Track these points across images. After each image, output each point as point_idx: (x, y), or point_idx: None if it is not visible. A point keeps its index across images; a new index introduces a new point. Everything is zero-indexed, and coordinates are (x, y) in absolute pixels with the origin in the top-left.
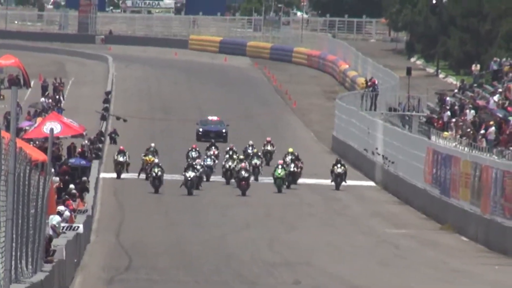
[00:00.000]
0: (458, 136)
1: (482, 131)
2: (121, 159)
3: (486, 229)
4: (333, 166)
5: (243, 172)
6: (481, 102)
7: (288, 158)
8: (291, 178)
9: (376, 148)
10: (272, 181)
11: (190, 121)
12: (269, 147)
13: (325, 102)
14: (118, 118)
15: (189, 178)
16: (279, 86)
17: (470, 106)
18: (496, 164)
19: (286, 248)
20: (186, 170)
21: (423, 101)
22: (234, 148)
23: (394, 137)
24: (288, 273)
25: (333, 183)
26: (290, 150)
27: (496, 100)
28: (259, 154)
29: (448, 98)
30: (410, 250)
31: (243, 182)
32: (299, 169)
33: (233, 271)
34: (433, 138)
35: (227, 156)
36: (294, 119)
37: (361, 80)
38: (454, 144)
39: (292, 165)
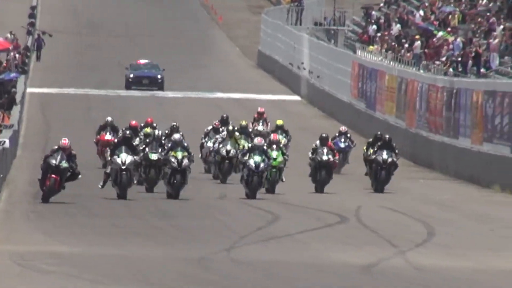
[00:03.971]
0: (384, 50)
1: (407, 45)
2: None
3: (412, 143)
4: (372, 150)
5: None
6: (406, 16)
7: (280, 137)
8: (325, 172)
9: (302, 63)
10: None
11: (116, 36)
12: (260, 128)
13: (251, 16)
14: (43, 33)
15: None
16: (205, 0)
17: (396, 20)
18: (422, 78)
19: None
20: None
21: (348, 15)
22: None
23: (320, 51)
24: (216, 188)
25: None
26: (279, 122)
27: (422, 14)
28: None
29: (373, 12)
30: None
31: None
32: (335, 159)
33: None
34: (358, 52)
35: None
36: (220, 34)
37: None
38: (379, 58)
39: (325, 151)
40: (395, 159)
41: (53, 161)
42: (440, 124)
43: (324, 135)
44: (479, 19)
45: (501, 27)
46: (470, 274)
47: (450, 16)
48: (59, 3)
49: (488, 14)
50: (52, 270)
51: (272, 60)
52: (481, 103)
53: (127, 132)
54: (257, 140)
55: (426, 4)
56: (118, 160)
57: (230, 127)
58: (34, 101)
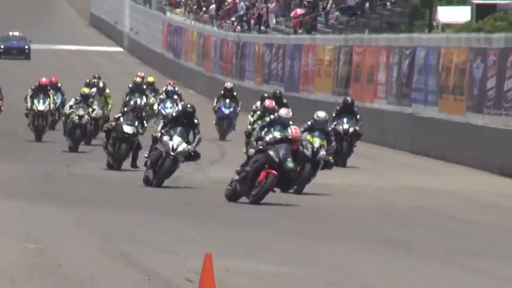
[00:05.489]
0: (187, 12)
1: (205, 8)
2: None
3: (209, 84)
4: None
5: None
6: None
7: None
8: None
9: (131, 29)
10: None
11: None
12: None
13: None
14: None
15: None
16: None
17: None
18: (216, 33)
19: None
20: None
21: None
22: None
23: (138, 12)
24: None
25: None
26: (150, 79)
27: None
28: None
29: None
30: None
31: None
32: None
33: None
34: (168, 14)
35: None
36: (61, 0)
37: None
38: (184, 18)
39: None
40: (357, 128)
41: (273, 155)
42: (230, 69)
43: (266, 95)
44: None
45: None
46: None
47: None
48: None
49: None
50: None
51: (101, 20)
52: (262, 53)
53: (188, 105)
54: (284, 112)
55: None
56: (169, 143)
57: (101, 84)
58: None
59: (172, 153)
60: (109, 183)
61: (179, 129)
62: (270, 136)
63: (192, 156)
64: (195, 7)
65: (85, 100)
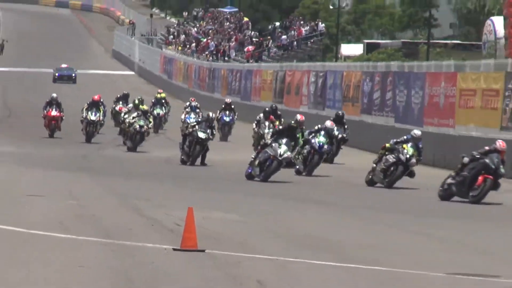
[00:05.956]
0: (177, 48)
1: (188, 46)
2: (93, 117)
3: (191, 96)
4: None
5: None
6: (188, 31)
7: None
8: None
9: (138, 58)
10: None
11: (34, 43)
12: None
13: (109, 31)
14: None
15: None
16: (84, 22)
17: (182, 33)
18: (196, 62)
19: None
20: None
21: (158, 30)
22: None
23: (145, 50)
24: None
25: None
26: (163, 95)
27: (196, 29)
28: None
29: (171, 29)
30: None
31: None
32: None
33: None
34: (163, 49)
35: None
36: (93, 40)
37: (126, 20)
38: (174, 53)
39: (266, 124)
40: (344, 135)
41: (490, 163)
42: (205, 86)
43: (267, 109)
44: (225, 32)
45: (235, 36)
46: None
47: (210, 31)
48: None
49: (229, 29)
50: None
51: (121, 54)
52: (226, 75)
53: (292, 122)
54: (330, 123)
55: (197, 25)
56: (278, 150)
57: (136, 101)
58: None
59: (279, 158)
60: (131, 162)
61: (285, 140)
62: (316, 139)
63: (292, 163)
64: (181, 45)
65: (144, 114)
